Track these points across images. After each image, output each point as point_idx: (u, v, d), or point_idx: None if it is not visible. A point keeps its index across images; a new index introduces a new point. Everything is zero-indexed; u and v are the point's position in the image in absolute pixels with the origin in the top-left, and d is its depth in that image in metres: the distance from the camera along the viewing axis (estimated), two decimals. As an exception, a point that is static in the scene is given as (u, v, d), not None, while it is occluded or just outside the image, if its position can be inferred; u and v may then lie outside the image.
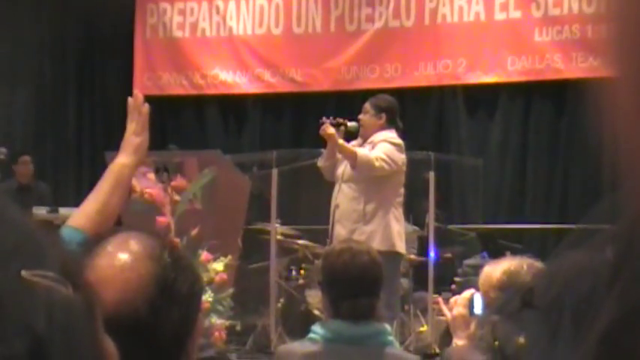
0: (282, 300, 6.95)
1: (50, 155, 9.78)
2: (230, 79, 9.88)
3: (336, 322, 2.95)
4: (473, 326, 2.88)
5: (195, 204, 6.52)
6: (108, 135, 9.22)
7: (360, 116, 6.30)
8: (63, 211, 6.71)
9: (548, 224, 8.02)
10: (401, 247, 6.17)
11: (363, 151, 6.11)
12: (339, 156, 6.29)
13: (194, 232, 6.17)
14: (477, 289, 2.95)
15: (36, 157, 8.88)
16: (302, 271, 7.14)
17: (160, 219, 6.22)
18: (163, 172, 6.52)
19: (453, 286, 6.55)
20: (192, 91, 9.92)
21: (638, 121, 0.49)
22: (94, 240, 1.89)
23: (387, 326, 3.18)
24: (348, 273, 2.95)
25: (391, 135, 6.19)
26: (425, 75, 9.25)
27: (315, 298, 6.38)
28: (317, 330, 3.00)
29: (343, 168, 6.24)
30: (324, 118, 6.26)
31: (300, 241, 7.18)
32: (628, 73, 0.49)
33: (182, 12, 10.07)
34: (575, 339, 0.64)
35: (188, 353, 1.57)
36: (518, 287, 2.47)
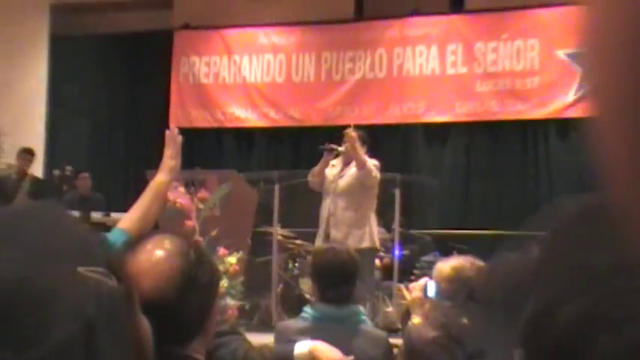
0: (281, 286, 6.86)
1: (104, 172, 9.65)
2: (243, 115, 9.84)
3: (322, 305, 2.95)
4: (427, 306, 2.89)
5: (214, 211, 6.52)
6: (149, 157, 8.77)
7: (348, 133, 6.27)
8: (114, 215, 6.60)
9: (487, 230, 7.82)
10: (378, 243, 6.18)
11: (370, 162, 6.12)
12: (327, 173, 6.19)
13: (213, 232, 6.16)
14: (430, 278, 2.93)
15: (93, 173, 8.87)
16: (297, 264, 7.02)
17: (188, 222, 6.22)
18: (191, 186, 6.52)
19: (412, 277, 6.22)
20: (214, 124, 9.85)
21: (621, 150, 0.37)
22: (137, 239, 1.89)
23: (361, 308, 3.12)
24: (331, 267, 2.94)
25: (370, 159, 6.21)
26: (393, 114, 9.24)
27: (306, 285, 6.23)
28: (308, 310, 3.01)
29: (335, 184, 6.15)
30: (326, 144, 6.23)
31: (296, 241, 7.09)
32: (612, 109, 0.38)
33: (207, 64, 9.99)
34: (506, 324, 0.62)
35: (207, 329, 1.55)
36: (463, 280, 2.48)
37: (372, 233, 6.04)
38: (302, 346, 2.35)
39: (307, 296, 5.75)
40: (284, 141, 9.75)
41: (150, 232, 2.08)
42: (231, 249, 6.14)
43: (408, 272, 6.57)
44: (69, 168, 8.42)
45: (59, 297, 0.66)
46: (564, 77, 8.62)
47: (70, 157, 9.12)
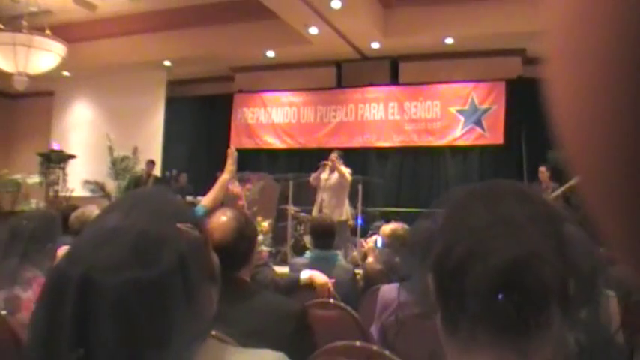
0: (292, 239, 6.84)
1: (195, 174, 9.12)
2: (271, 141, 10.02)
3: (316, 250, 2.85)
4: (376, 252, 2.97)
5: (255, 196, 6.81)
6: (219, 163, 8.75)
7: (332, 159, 6.15)
8: (199, 198, 5.87)
9: (412, 209, 7.78)
10: (349, 217, 6.15)
11: (345, 170, 6.01)
12: (321, 177, 6.11)
13: (255, 208, 6.35)
14: (379, 235, 2.94)
15: (189, 174, 9.10)
16: (302, 227, 7.03)
17: (239, 202, 6.31)
18: (242, 181, 6.70)
19: (368, 235, 6.00)
20: (255, 147, 9.97)
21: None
22: (211, 211, 1.93)
23: (339, 252, 3.03)
24: (321, 228, 2.89)
25: (345, 168, 6.17)
26: (358, 142, 9.40)
27: (307, 239, 6.23)
28: (307, 254, 2.92)
29: (325, 183, 6.07)
30: (321, 162, 6.20)
31: (301, 214, 7.05)
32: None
33: (253, 112, 10.25)
34: (422, 259, 0.62)
35: (250, 262, 1.54)
36: (397, 236, 2.61)
37: (346, 211, 6.10)
38: (304, 274, 2.30)
39: (307, 245, 5.67)
40: (295, 156, 9.80)
41: (218, 207, 2.04)
42: (265, 218, 6.31)
43: (365, 232, 6.68)
44: (175, 171, 8.93)
45: (166, 241, 0.65)
46: (453, 123, 8.95)
47: (176, 165, 9.42)
